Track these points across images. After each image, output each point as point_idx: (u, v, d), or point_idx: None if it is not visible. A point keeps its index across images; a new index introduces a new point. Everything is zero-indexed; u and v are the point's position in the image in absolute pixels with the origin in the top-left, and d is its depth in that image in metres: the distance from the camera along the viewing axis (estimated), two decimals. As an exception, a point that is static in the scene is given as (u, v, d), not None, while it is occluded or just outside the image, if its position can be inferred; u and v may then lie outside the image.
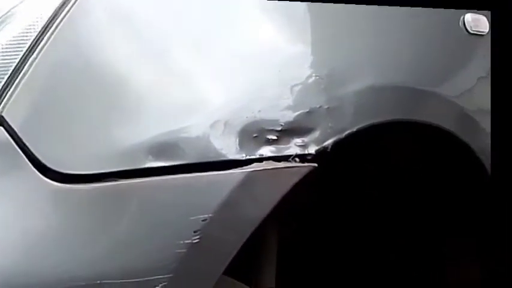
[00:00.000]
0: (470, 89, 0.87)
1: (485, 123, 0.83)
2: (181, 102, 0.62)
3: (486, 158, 0.82)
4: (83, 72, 0.60)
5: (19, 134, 0.56)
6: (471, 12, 0.91)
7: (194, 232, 0.57)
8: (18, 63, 0.57)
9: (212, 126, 0.61)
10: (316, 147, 0.66)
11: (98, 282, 0.54)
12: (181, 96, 0.62)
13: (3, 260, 0.53)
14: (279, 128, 0.64)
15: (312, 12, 0.76)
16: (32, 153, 0.55)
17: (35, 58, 0.57)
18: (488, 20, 0.94)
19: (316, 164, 0.65)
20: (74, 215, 0.56)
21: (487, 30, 0.94)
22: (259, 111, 0.64)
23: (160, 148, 0.59)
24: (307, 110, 0.67)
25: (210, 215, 0.58)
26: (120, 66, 0.63)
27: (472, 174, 0.86)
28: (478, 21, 0.95)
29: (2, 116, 0.56)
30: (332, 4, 0.74)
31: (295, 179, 0.63)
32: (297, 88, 0.68)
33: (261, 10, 0.73)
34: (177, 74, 0.65)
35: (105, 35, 0.63)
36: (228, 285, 0.81)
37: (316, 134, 0.67)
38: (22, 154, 0.55)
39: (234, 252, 0.60)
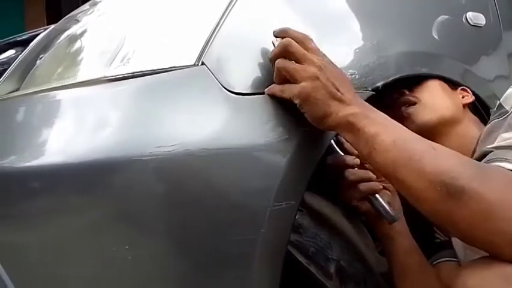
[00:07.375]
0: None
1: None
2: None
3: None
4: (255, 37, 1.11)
5: (212, 71, 1.05)
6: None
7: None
8: (214, 27, 1.08)
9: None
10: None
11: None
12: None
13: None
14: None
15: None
16: (219, 81, 1.05)
17: (221, 24, 1.08)
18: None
19: (374, 92, 1.14)
20: (240, 109, 1.04)
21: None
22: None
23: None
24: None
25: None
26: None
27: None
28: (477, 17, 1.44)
29: (203, 62, 1.05)
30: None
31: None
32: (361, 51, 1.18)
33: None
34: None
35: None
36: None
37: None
38: (216, 80, 1.05)
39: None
